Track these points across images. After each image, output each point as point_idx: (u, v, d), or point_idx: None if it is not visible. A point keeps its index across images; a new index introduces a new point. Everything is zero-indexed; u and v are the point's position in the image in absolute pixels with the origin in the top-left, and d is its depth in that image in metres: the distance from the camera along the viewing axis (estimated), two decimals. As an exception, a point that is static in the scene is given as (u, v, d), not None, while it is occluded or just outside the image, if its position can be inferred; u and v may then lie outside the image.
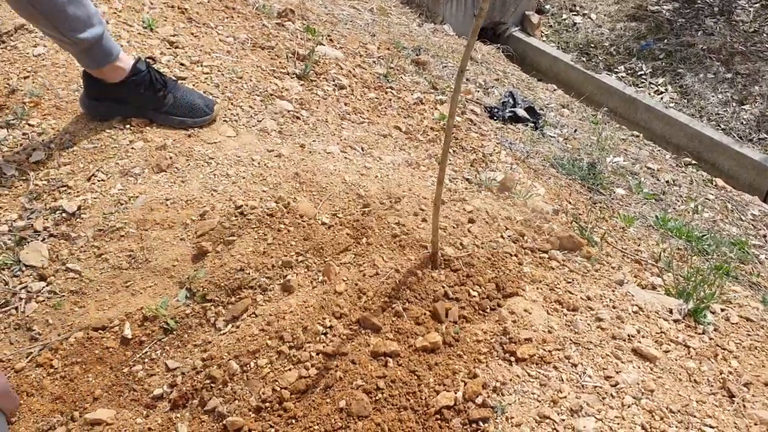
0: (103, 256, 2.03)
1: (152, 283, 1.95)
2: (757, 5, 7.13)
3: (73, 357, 1.79)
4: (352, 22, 4.99)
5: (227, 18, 3.50)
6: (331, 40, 3.99)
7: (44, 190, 2.22)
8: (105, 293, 1.94)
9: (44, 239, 2.07)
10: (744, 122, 5.96)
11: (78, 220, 2.13)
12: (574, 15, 7.28)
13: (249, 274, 1.94)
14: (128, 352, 1.82)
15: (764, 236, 4.25)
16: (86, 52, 2.25)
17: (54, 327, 1.86)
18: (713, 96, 6.20)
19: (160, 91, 2.44)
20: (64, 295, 1.93)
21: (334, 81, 3.28)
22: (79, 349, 1.80)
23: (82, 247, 2.06)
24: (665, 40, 6.79)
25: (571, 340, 1.84)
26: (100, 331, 1.86)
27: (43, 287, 1.95)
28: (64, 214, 2.14)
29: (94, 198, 2.19)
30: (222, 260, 1.98)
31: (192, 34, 3.12)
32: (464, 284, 1.92)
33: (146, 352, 1.82)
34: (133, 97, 2.43)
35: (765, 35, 6.74)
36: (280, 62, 3.21)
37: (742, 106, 6.09)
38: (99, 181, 2.25)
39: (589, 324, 1.91)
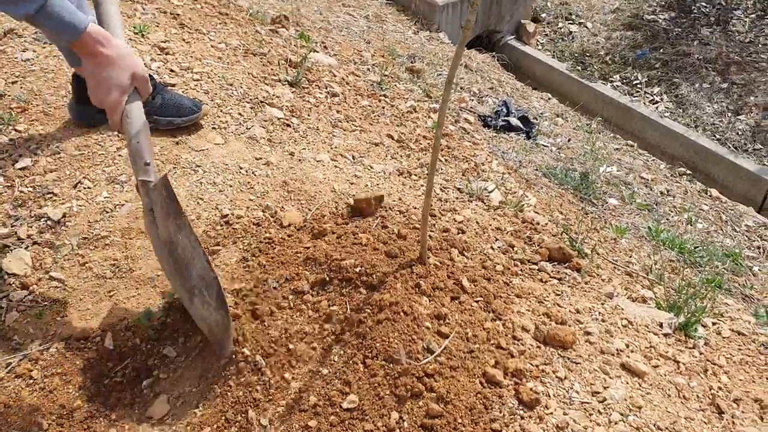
0: (87, 264, 2.00)
1: (135, 293, 1.93)
2: (752, 15, 7.14)
3: (53, 368, 1.76)
4: (347, 29, 4.98)
5: (220, 24, 3.48)
6: (325, 47, 3.98)
7: (29, 197, 2.19)
8: (88, 303, 1.92)
9: (28, 247, 2.04)
10: (739, 132, 5.95)
11: (63, 227, 2.10)
12: (570, 24, 7.29)
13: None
14: (110, 363, 1.79)
15: (758, 248, 4.23)
16: None
17: (35, 337, 1.83)
18: (709, 106, 6.20)
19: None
20: (46, 305, 1.91)
21: (326, 88, 3.26)
22: (59, 359, 1.78)
23: (66, 255, 2.03)
24: (661, 50, 6.79)
25: (558, 354, 1.81)
26: (82, 341, 1.83)
27: (25, 296, 1.92)
28: (48, 222, 2.11)
29: (80, 205, 2.16)
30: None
31: (183, 40, 3.10)
32: (456, 299, 1.89)
33: (127, 363, 1.79)
34: None
35: (761, 45, 6.75)
36: (272, 69, 3.19)
37: (738, 117, 6.09)
38: (85, 188, 2.22)
39: (577, 338, 1.89)
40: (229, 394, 1.65)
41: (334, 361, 1.67)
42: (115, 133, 2.43)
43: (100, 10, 1.71)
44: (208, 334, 1.71)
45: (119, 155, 2.35)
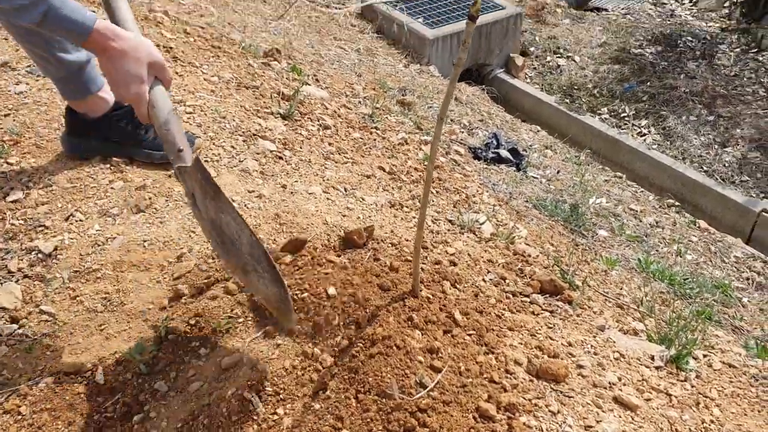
0: (78, 298, 2.00)
1: (127, 327, 1.92)
2: (737, 50, 7.27)
3: (42, 403, 1.74)
4: (338, 62, 5.03)
5: (213, 57, 3.51)
6: (317, 80, 4.01)
7: (20, 230, 2.19)
8: (78, 336, 1.90)
9: (18, 280, 2.03)
10: (726, 164, 6.02)
11: (54, 260, 2.10)
12: (558, 57, 7.39)
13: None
14: (100, 398, 1.77)
15: (747, 279, 4.26)
16: (70, 78, 2.24)
17: (24, 371, 1.82)
18: (696, 138, 6.28)
19: (141, 125, 2.43)
20: (36, 339, 1.89)
21: (318, 121, 3.29)
22: (49, 394, 1.76)
23: (57, 288, 2.02)
24: (648, 83, 6.89)
25: (551, 388, 1.81)
26: (72, 376, 1.81)
27: (15, 330, 1.91)
28: (39, 255, 2.11)
29: (71, 238, 2.16)
30: (198, 304, 1.95)
31: (176, 73, 3.13)
32: (449, 332, 1.89)
33: (118, 398, 1.77)
34: (114, 132, 2.42)
35: (745, 79, 6.86)
36: (264, 102, 3.21)
37: (725, 149, 6.17)
38: (77, 221, 2.22)
39: (570, 371, 1.89)
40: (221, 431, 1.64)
41: (327, 396, 1.66)
42: (108, 165, 2.44)
43: (110, 9, 1.74)
44: (270, 307, 1.77)
45: (111, 188, 2.35)
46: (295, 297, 1.89)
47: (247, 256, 1.67)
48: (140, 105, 1.65)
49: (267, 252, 1.68)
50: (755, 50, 7.21)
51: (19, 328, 1.91)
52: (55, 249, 2.12)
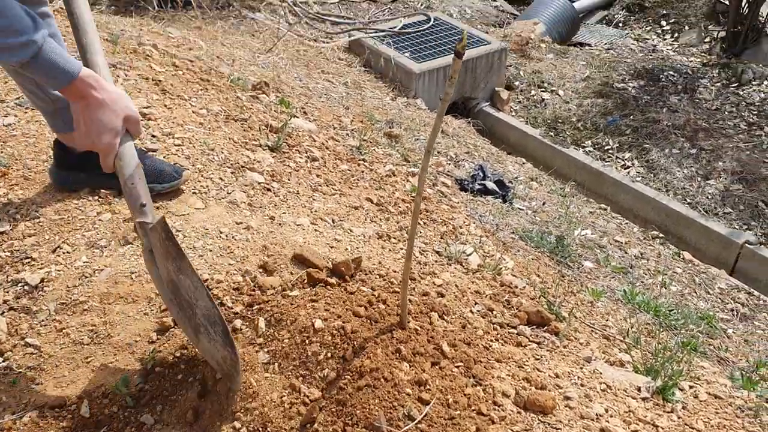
0: (64, 330, 1.98)
1: (113, 359, 1.90)
2: (718, 84, 7.41)
3: (26, 437, 1.72)
4: (326, 95, 5.08)
5: (201, 90, 3.54)
6: (305, 112, 4.05)
7: (7, 262, 2.18)
8: (64, 369, 1.89)
9: (3, 313, 2.02)
10: (709, 197, 6.10)
11: (40, 293, 2.09)
12: (543, 91, 7.49)
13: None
14: (86, 431, 1.76)
15: (732, 310, 4.29)
16: (59, 112, 2.26)
17: (8, 405, 1.80)
18: (679, 171, 6.36)
19: None
20: (21, 372, 1.88)
21: (306, 153, 3.31)
22: (33, 428, 1.74)
23: (43, 321, 2.01)
24: (631, 116, 6.99)
25: (539, 419, 1.82)
26: (56, 409, 1.79)
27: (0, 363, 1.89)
28: (26, 287, 2.10)
29: (58, 270, 2.15)
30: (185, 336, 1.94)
31: (165, 105, 3.15)
32: (437, 364, 1.89)
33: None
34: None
35: (727, 113, 6.99)
36: (252, 134, 3.24)
37: (707, 181, 6.25)
38: (64, 253, 2.22)
39: (557, 403, 1.90)
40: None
41: (315, 429, 1.66)
42: (96, 197, 2.44)
43: (87, 58, 1.75)
44: (217, 368, 1.75)
45: (99, 220, 2.35)
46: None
47: (201, 318, 1.66)
48: (108, 155, 1.66)
49: (222, 317, 1.68)
50: (735, 84, 7.36)
51: (3, 361, 1.89)
52: (42, 281, 2.11)
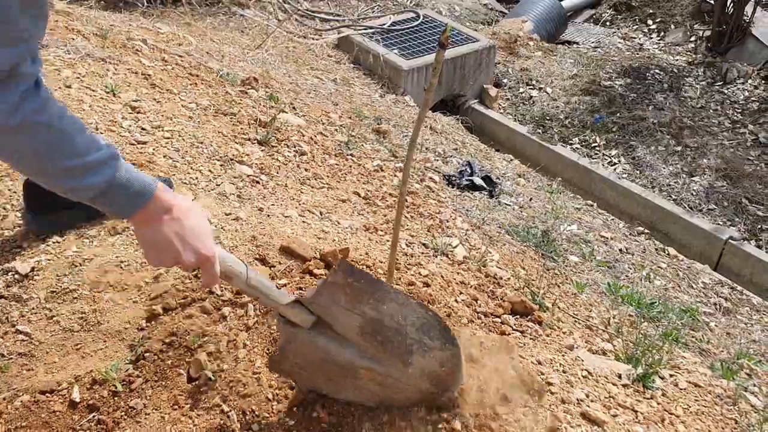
0: (54, 318, 2.01)
1: (103, 346, 1.93)
2: (703, 83, 7.50)
3: (17, 421, 1.75)
4: (315, 91, 5.12)
5: (191, 85, 3.57)
6: (294, 108, 4.08)
7: (-3, 251, 2.20)
8: (55, 356, 1.92)
9: (-6, 301, 2.04)
10: (694, 193, 6.18)
11: (31, 281, 2.11)
12: (531, 89, 7.56)
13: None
14: (75, 416, 1.78)
15: (715, 304, 4.36)
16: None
17: (0, 391, 1.82)
18: (664, 168, 6.44)
19: None
20: (12, 358, 1.90)
21: (295, 147, 3.35)
22: (24, 413, 1.76)
23: (33, 308, 2.03)
24: (618, 114, 7.07)
25: (520, 404, 1.86)
26: (47, 394, 1.82)
27: (-10, 350, 1.91)
28: (16, 276, 2.12)
29: (48, 259, 2.18)
30: (175, 324, 1.97)
31: (155, 99, 3.17)
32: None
33: (94, 416, 1.79)
34: None
35: (711, 111, 7.08)
36: (242, 128, 3.27)
37: (692, 178, 6.33)
38: (54, 242, 2.24)
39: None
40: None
41: (304, 411, 1.69)
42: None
43: None
44: (444, 376, 1.59)
45: (89, 210, 2.37)
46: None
47: (413, 336, 1.51)
48: (216, 263, 1.34)
49: (436, 314, 1.54)
50: (720, 83, 7.45)
51: (-6, 348, 1.92)
52: (32, 270, 2.13)
